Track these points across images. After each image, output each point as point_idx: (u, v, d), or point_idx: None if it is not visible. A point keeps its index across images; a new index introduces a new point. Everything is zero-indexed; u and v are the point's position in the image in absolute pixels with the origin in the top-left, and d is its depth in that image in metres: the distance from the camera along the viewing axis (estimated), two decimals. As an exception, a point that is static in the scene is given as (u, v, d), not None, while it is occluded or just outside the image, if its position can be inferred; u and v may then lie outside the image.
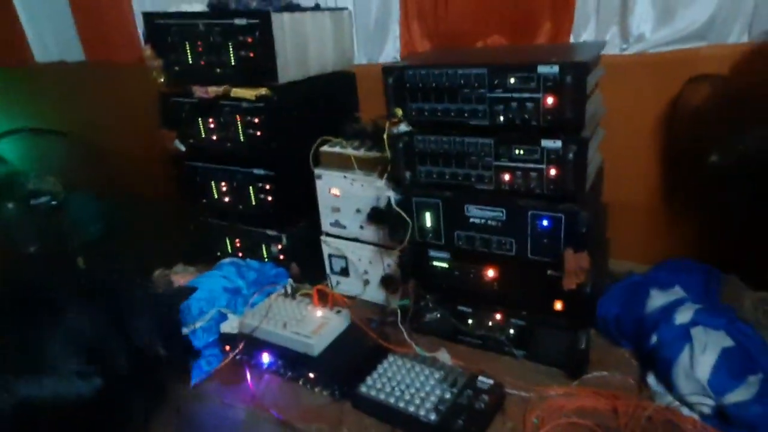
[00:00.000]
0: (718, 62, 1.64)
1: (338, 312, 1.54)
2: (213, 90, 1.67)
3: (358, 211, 1.63)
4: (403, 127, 1.31)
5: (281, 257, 1.89)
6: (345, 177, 1.61)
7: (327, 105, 1.87)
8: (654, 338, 1.30)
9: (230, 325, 1.58)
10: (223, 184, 1.89)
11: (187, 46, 1.74)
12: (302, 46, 1.69)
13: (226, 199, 1.91)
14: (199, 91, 1.68)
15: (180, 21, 1.71)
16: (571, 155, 1.13)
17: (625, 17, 1.78)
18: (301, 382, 1.41)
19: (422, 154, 1.33)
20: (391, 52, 2.30)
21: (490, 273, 1.37)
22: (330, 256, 1.77)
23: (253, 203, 1.85)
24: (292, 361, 1.43)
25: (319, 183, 1.68)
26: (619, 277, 1.57)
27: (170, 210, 2.32)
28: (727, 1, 1.62)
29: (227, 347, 1.56)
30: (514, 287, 1.35)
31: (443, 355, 1.41)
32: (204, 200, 1.97)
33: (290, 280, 1.78)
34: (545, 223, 1.22)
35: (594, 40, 1.71)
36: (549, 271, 1.28)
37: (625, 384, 1.32)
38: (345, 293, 1.75)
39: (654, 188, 1.81)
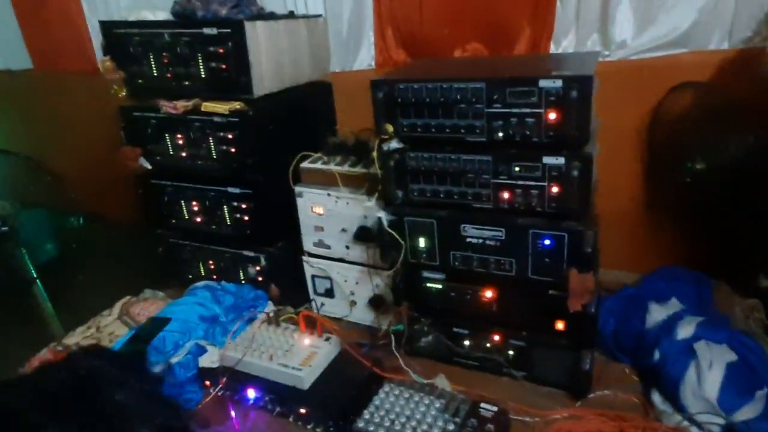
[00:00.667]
0: (698, 69, 1.64)
1: (327, 339, 1.45)
2: (182, 105, 1.55)
3: (343, 230, 1.55)
4: (395, 144, 1.24)
5: (259, 279, 1.78)
6: (329, 195, 1.52)
7: (303, 117, 1.77)
8: (657, 354, 1.27)
9: (210, 359, 1.46)
10: (194, 203, 1.77)
11: (152, 57, 1.61)
12: (277, 56, 1.59)
13: (198, 219, 1.79)
14: (166, 106, 1.56)
15: (143, 30, 1.59)
16: (575, 172, 1.08)
17: (606, 24, 1.76)
18: (291, 419, 1.32)
19: (415, 172, 1.26)
20: (366, 59, 2.22)
21: (488, 294, 1.31)
22: (313, 277, 1.68)
23: (228, 223, 1.74)
24: (280, 395, 1.33)
25: (300, 201, 1.59)
26: (610, 288, 1.55)
27: (134, 231, 2.18)
28: (707, 8, 1.62)
29: (207, 383, 1.45)
30: (514, 307, 1.30)
31: (441, 381, 1.34)
32: (173, 221, 1.84)
33: (271, 305, 1.69)
34: (547, 242, 1.17)
35: (588, 51, 1.68)
36: (551, 291, 1.23)
37: (629, 403, 1.28)
38: (330, 315, 1.67)
39: (638, 196, 1.80)
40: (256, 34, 1.49)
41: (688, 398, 1.17)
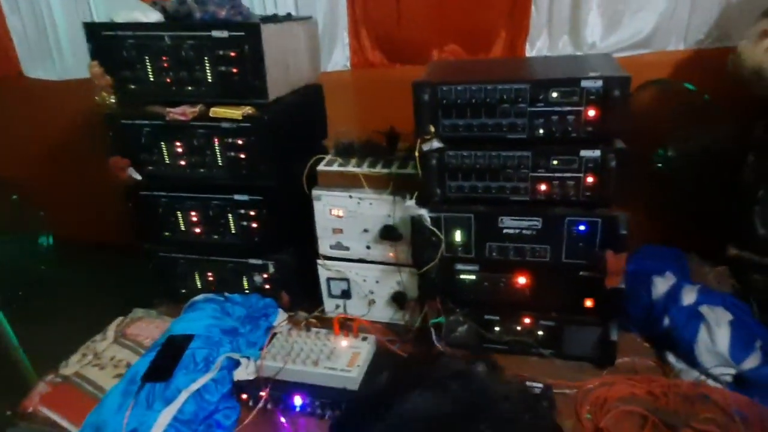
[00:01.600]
0: (660, 67, 1.85)
1: (365, 339, 1.47)
2: (191, 111, 1.48)
3: (365, 230, 1.57)
4: (436, 144, 1.29)
5: (266, 287, 1.75)
6: (351, 197, 1.53)
7: (303, 121, 1.76)
8: (666, 320, 1.44)
9: (245, 371, 1.42)
10: (193, 214, 1.70)
11: (148, 61, 1.52)
12: (285, 59, 1.57)
13: (197, 231, 1.72)
14: (172, 113, 1.48)
15: (138, 33, 1.49)
16: (613, 163, 1.20)
17: (576, 27, 1.93)
18: (346, 420, 1.32)
19: (453, 170, 1.32)
20: (340, 60, 2.25)
21: (521, 280, 1.40)
22: (328, 279, 1.68)
23: (233, 232, 1.69)
24: (332, 399, 1.33)
25: (318, 204, 1.58)
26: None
27: (113, 249, 2.03)
28: (665, 15, 1.83)
29: (244, 396, 1.41)
30: (546, 291, 1.40)
31: (482, 367, 1.41)
32: (166, 234, 1.75)
33: (281, 312, 1.67)
34: (582, 228, 1.29)
35: (602, 52, 1.81)
36: (581, 272, 1.35)
37: (647, 366, 1.44)
38: (347, 316, 1.68)
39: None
40: (270, 36, 1.46)
41: (703, 355, 1.34)
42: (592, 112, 1.19)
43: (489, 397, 0.48)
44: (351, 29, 2.19)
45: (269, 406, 1.38)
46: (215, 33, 1.44)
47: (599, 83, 1.16)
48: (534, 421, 0.44)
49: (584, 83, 1.17)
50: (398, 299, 1.62)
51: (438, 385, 0.47)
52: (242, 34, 1.43)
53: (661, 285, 1.51)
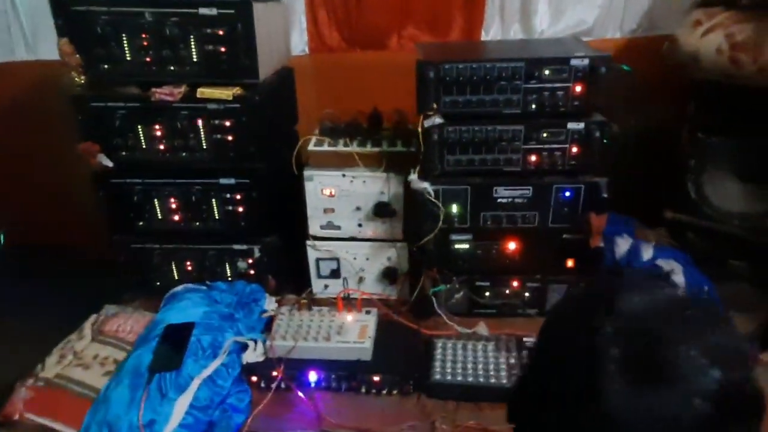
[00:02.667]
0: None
1: (368, 312, 1.52)
2: (178, 91, 1.43)
3: (357, 208, 1.61)
4: (438, 120, 1.36)
5: (251, 272, 1.73)
6: (344, 175, 1.57)
7: (282, 103, 1.76)
8: (630, 275, 1.64)
9: (253, 354, 1.42)
10: (171, 200, 1.64)
11: (125, 39, 1.44)
12: (269, 40, 1.56)
13: (176, 218, 1.66)
14: (159, 93, 1.42)
15: (115, 9, 1.41)
16: (596, 134, 1.35)
17: (526, 16, 2.09)
18: (363, 390, 1.37)
19: (452, 144, 1.41)
20: (298, 44, 2.23)
21: (512, 246, 1.53)
22: (318, 260, 1.70)
23: (217, 217, 1.65)
24: (348, 371, 1.37)
25: (309, 185, 1.59)
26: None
27: (73, 248, 1.89)
28: (604, 6, 2.04)
29: (254, 378, 1.40)
30: (532, 255, 1.53)
31: (482, 328, 1.52)
32: (141, 223, 1.67)
33: (268, 297, 1.66)
34: (567, 194, 1.43)
35: (566, 36, 1.98)
36: (565, 235, 1.50)
37: (617, 316, 1.63)
38: (334, 295, 1.71)
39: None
40: (259, 15, 1.45)
41: (666, 301, 1.55)
42: (578, 88, 1.33)
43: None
44: (308, 13, 2.19)
45: (283, 385, 1.38)
46: (203, 10, 1.40)
47: (586, 61, 1.30)
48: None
49: (573, 61, 1.30)
50: (389, 274, 1.68)
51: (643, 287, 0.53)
52: (232, 11, 1.40)
53: (623, 244, 1.71)
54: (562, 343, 0.55)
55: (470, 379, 1.34)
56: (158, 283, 1.74)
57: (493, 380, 1.33)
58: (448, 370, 1.36)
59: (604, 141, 2.00)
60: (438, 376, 1.35)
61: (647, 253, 1.66)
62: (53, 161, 2.04)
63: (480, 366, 1.37)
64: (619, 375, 0.48)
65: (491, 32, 2.15)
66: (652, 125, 1.94)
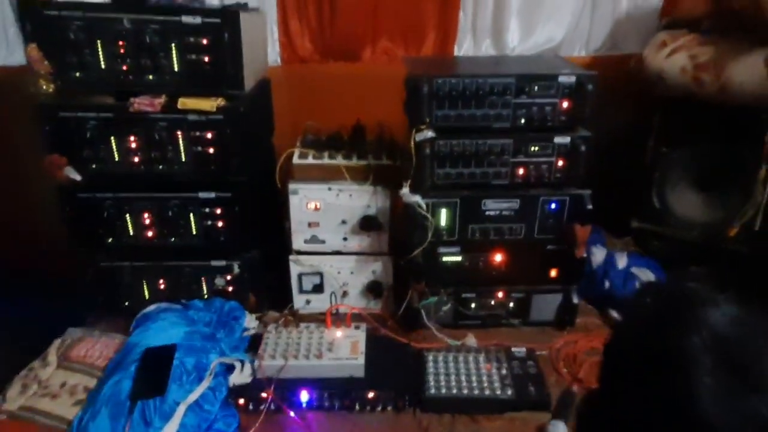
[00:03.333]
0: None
1: (357, 327, 1.49)
2: (159, 102, 1.37)
3: (343, 222, 1.58)
4: (430, 134, 1.37)
5: (229, 289, 1.67)
6: (330, 189, 1.54)
7: (261, 115, 1.72)
8: (606, 283, 1.70)
9: (240, 375, 1.36)
10: (145, 215, 1.56)
11: (100, 46, 1.37)
12: (252, 50, 1.52)
13: (149, 234, 1.58)
14: (139, 103, 1.35)
15: (89, 14, 1.33)
16: (583, 147, 1.40)
17: (498, 32, 2.15)
18: (357, 408, 1.34)
19: (443, 158, 1.42)
20: (270, 55, 2.19)
21: (498, 258, 1.55)
22: (300, 275, 1.66)
23: (194, 233, 1.58)
24: (341, 389, 1.34)
25: (293, 198, 1.56)
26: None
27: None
28: (570, 26, 2.13)
29: (241, 401, 1.34)
30: (518, 266, 1.56)
31: (470, 340, 1.53)
32: (110, 240, 1.58)
33: (248, 315, 1.61)
34: (553, 206, 1.47)
35: (545, 52, 2.05)
36: (548, 246, 1.53)
37: (596, 324, 1.67)
38: (318, 310, 1.67)
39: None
40: (245, 25, 1.41)
41: (642, 308, 1.61)
42: (565, 104, 1.37)
43: None
44: (281, 23, 2.15)
45: (273, 406, 1.33)
46: (186, 18, 1.35)
47: (573, 78, 1.34)
48: None
49: (561, 78, 1.34)
50: (374, 288, 1.66)
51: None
52: (218, 20, 1.35)
53: (598, 254, 1.77)
54: (642, 359, 0.55)
55: (465, 391, 1.34)
56: (126, 304, 1.65)
57: (487, 392, 1.34)
58: (442, 384, 1.36)
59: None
60: (433, 390, 1.34)
61: (622, 261, 1.73)
62: (10, 173, 1.90)
63: (473, 378, 1.37)
64: (714, 384, 0.49)
65: (464, 47, 2.19)
66: (617, 139, 2.03)
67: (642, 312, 0.58)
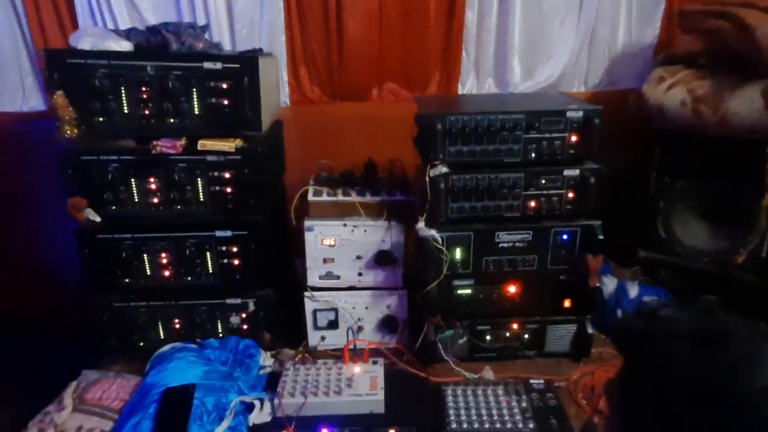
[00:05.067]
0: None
1: (375, 362, 1.49)
2: (180, 144, 1.41)
3: (358, 257, 1.61)
4: (444, 169, 1.41)
5: (244, 327, 1.67)
6: (345, 225, 1.57)
7: (275, 153, 1.76)
8: (619, 312, 1.71)
9: (260, 414, 1.35)
10: (163, 256, 1.57)
11: (123, 92, 1.42)
12: (268, 93, 1.58)
13: (166, 273, 1.59)
14: (160, 146, 1.39)
15: (114, 62, 1.39)
16: (592, 179, 1.44)
17: (500, 71, 2.23)
18: (379, 444, 1.33)
19: (456, 192, 1.45)
20: (281, 96, 2.26)
21: (512, 289, 1.56)
22: (315, 311, 1.67)
23: (210, 271, 1.60)
24: (362, 425, 1.33)
25: (309, 235, 1.58)
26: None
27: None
28: (569, 64, 2.21)
29: (262, 440, 1.33)
30: (531, 297, 1.58)
31: (488, 373, 1.53)
32: (126, 280, 1.59)
33: (263, 352, 1.61)
34: (565, 237, 1.50)
35: (549, 89, 2.13)
36: (561, 277, 1.55)
37: (611, 354, 1.68)
38: (333, 347, 1.68)
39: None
40: (263, 69, 1.47)
41: (657, 337, 1.62)
42: (574, 138, 1.42)
43: None
44: (290, 67, 2.23)
45: (295, 445, 1.32)
46: (207, 64, 1.40)
47: (581, 113, 1.40)
48: None
49: (569, 113, 1.39)
50: (389, 323, 1.67)
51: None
52: (237, 66, 1.41)
53: (609, 284, 1.79)
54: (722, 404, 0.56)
55: (487, 425, 1.33)
56: (141, 344, 1.65)
57: (509, 425, 1.33)
58: (463, 418, 1.35)
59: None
60: (454, 425, 1.33)
61: (633, 290, 1.74)
62: (26, 216, 1.92)
63: (494, 412, 1.37)
64: None
65: (467, 86, 2.27)
66: (618, 172, 2.08)
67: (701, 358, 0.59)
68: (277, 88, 1.81)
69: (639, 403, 0.59)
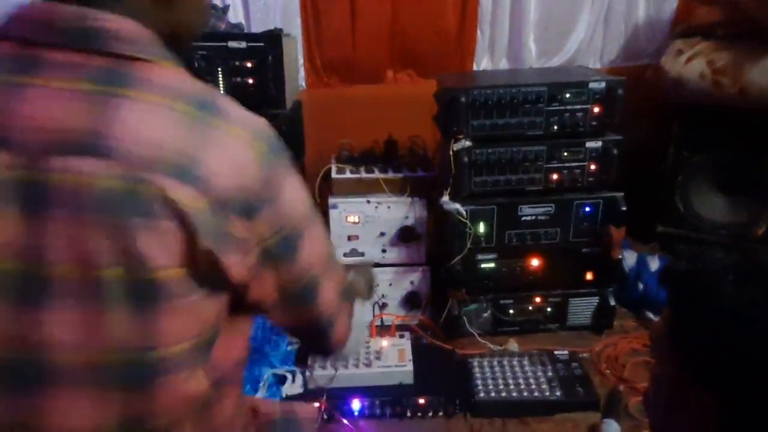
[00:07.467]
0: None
1: (401, 336, 1.52)
2: (206, 122, 1.42)
3: (381, 234, 1.63)
4: (467, 143, 1.42)
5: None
6: (368, 201, 1.59)
7: (296, 132, 1.78)
8: (641, 286, 1.73)
9: (292, 387, 1.38)
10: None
11: (149, 72, 1.43)
12: (289, 72, 1.59)
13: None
14: (187, 125, 1.41)
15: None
16: (615, 151, 1.45)
17: (515, 49, 2.23)
18: (409, 414, 1.35)
19: (479, 166, 1.47)
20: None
21: (534, 262, 1.58)
22: (340, 289, 1.69)
23: (236, 250, 1.62)
24: (392, 396, 1.36)
25: (333, 213, 1.60)
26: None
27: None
28: (584, 41, 2.21)
29: (294, 411, 1.36)
30: (554, 270, 1.59)
31: (512, 345, 1.55)
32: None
33: None
34: (587, 209, 1.51)
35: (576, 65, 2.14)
36: (584, 249, 1.57)
37: (632, 326, 1.70)
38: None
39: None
40: (286, 47, 1.48)
41: (678, 308, 1.64)
42: (596, 109, 1.43)
43: None
44: (305, 51, 2.23)
45: (325, 416, 1.35)
46: (232, 43, 1.42)
47: (603, 84, 1.40)
48: None
49: (591, 84, 1.40)
50: (413, 298, 1.69)
51: None
52: (262, 44, 1.43)
53: (629, 257, 1.80)
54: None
55: (514, 394, 1.35)
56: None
57: (536, 393, 1.35)
58: (491, 387, 1.38)
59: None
60: (482, 394, 1.36)
61: (654, 263, 1.76)
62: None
63: (521, 381, 1.39)
64: None
65: (482, 66, 2.27)
66: (636, 146, 2.09)
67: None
68: (297, 69, 1.82)
69: (692, 346, 0.61)
